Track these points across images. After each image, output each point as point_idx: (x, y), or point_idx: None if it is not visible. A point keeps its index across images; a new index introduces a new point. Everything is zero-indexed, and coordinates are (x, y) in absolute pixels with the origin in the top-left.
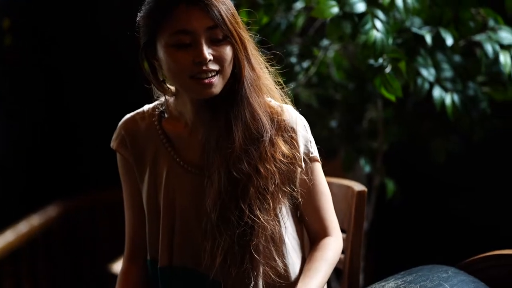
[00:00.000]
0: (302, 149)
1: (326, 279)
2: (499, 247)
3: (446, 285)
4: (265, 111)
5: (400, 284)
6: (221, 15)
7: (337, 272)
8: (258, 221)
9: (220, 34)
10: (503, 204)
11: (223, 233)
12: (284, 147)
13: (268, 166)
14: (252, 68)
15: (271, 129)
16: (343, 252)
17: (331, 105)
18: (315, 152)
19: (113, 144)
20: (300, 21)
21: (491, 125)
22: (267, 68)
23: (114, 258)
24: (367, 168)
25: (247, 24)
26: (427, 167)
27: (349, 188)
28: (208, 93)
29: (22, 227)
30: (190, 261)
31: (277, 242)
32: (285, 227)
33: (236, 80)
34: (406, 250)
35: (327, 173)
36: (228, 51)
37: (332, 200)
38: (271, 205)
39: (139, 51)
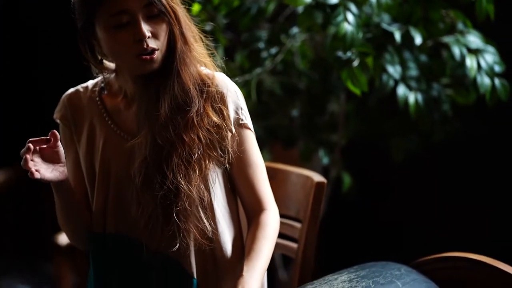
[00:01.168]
0: (232, 115)
1: (269, 257)
2: (449, 249)
3: (399, 283)
4: (195, 82)
5: (353, 278)
6: None
7: (284, 260)
8: (182, 186)
9: (155, 9)
10: (456, 206)
11: (146, 197)
12: (213, 115)
13: (192, 135)
14: (185, 40)
15: (199, 101)
16: (296, 241)
17: (294, 94)
18: (246, 120)
19: (56, 115)
20: (271, 7)
21: (451, 128)
22: (202, 40)
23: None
24: (325, 160)
25: (215, 7)
26: (384, 165)
27: (308, 178)
28: (148, 69)
29: None
30: (122, 228)
31: (206, 208)
32: (214, 194)
33: (169, 53)
34: (357, 244)
35: (285, 161)
36: (164, 26)
37: (290, 189)
38: (197, 171)
39: (77, 32)
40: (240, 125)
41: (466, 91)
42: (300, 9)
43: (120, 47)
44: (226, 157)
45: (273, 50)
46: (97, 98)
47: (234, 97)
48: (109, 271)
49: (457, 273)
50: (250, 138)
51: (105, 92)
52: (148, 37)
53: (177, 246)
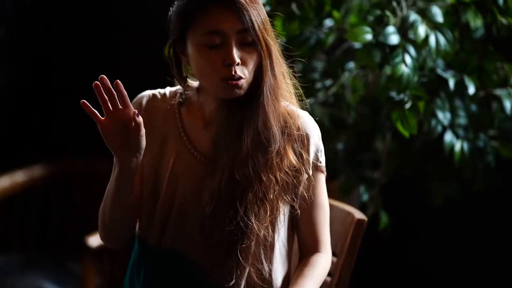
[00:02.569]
0: (312, 157)
1: None
2: None
3: None
4: (279, 121)
5: None
6: (251, 20)
7: None
8: (251, 224)
9: (249, 38)
10: (491, 256)
11: (213, 228)
12: (292, 157)
13: (271, 176)
14: (274, 75)
15: (280, 140)
16: (330, 274)
17: (341, 127)
18: (323, 162)
19: None
20: (330, 39)
21: (493, 179)
22: (290, 78)
23: (88, 231)
24: (365, 197)
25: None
26: (422, 207)
27: (349, 214)
28: (234, 94)
29: (4, 181)
30: (180, 245)
31: (268, 248)
32: (278, 234)
33: (256, 85)
34: (386, 283)
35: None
36: (254, 56)
37: (330, 223)
38: (268, 212)
39: (168, 45)
40: (316, 168)
41: None
42: (358, 45)
43: (208, 68)
44: (298, 199)
45: (327, 82)
46: (176, 111)
47: (316, 140)
48: (156, 285)
49: None
50: (322, 181)
51: (185, 103)
52: (237, 64)
53: (233, 281)
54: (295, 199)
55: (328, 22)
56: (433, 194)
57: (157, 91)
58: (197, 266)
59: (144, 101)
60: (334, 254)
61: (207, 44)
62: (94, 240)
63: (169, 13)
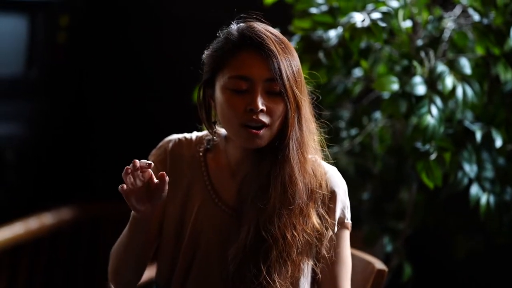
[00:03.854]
0: (338, 214)
1: None
2: None
3: None
4: (303, 176)
5: None
6: (279, 69)
7: None
8: (273, 285)
9: (277, 88)
10: None
11: (237, 286)
12: (315, 219)
13: (295, 233)
14: (301, 129)
15: (304, 197)
16: None
17: (367, 177)
18: (349, 219)
19: (153, 157)
20: (357, 88)
21: None
22: (317, 133)
23: None
24: (389, 248)
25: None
26: (446, 259)
27: (369, 264)
28: (253, 144)
29: (32, 223)
30: None
31: None
32: None
33: (282, 137)
34: None
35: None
36: (280, 106)
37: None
38: (289, 272)
39: (199, 88)
40: (342, 224)
41: None
42: (385, 94)
43: (230, 112)
44: (321, 255)
45: (353, 131)
46: (201, 158)
47: (343, 196)
48: None
49: None
50: (347, 237)
51: (211, 150)
52: (261, 110)
53: None
54: (318, 255)
55: (357, 72)
56: (457, 247)
57: (183, 136)
58: None
59: (170, 146)
60: None
61: (233, 88)
62: None
63: (203, 56)
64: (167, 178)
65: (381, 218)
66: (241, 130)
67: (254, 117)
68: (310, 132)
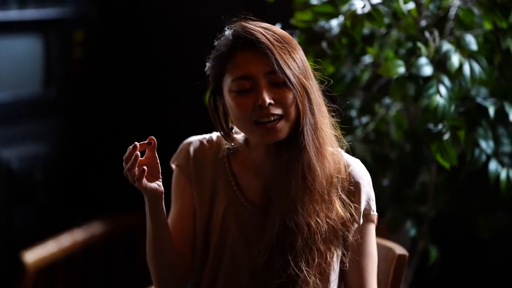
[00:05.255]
0: (363, 205)
1: None
2: None
3: None
4: (323, 162)
5: None
6: (277, 59)
7: None
8: (301, 274)
9: (280, 78)
10: None
11: (266, 280)
12: (340, 209)
13: (318, 220)
14: (313, 115)
15: (323, 182)
16: None
17: (385, 163)
18: (374, 212)
19: (175, 162)
20: (366, 75)
21: None
22: (330, 117)
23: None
24: (412, 232)
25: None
26: (472, 239)
27: (390, 250)
28: (271, 138)
29: (65, 240)
30: None
31: None
32: (330, 282)
33: (297, 126)
34: None
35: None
36: (290, 94)
37: None
38: (316, 260)
39: (208, 98)
40: (367, 216)
41: None
42: (393, 79)
43: (240, 112)
44: (347, 248)
45: (365, 119)
46: (225, 159)
47: (368, 188)
48: None
49: None
50: (372, 230)
51: (234, 150)
52: (270, 104)
53: None
54: (344, 247)
55: (367, 59)
56: (481, 226)
57: (203, 137)
58: None
59: (192, 149)
60: None
61: (238, 90)
62: None
63: (206, 68)
64: (155, 141)
65: (403, 203)
66: (256, 128)
67: (265, 112)
68: (323, 116)
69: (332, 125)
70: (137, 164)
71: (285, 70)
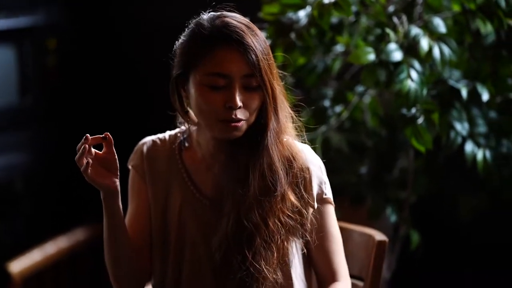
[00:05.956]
0: (315, 190)
1: None
2: None
3: None
4: (283, 163)
5: None
6: (259, 64)
7: None
8: (260, 269)
9: (254, 82)
10: None
11: (225, 276)
12: (293, 198)
13: (276, 220)
14: (278, 119)
15: (285, 184)
16: None
17: (362, 151)
18: (329, 194)
19: (131, 162)
20: (337, 64)
21: None
22: (293, 121)
23: None
24: (393, 218)
25: (283, 65)
26: (453, 222)
27: (370, 236)
28: (231, 136)
29: (50, 248)
30: None
31: None
32: (293, 267)
33: (259, 128)
34: None
35: (354, 219)
36: (257, 100)
37: (353, 248)
38: (275, 256)
39: (171, 80)
40: (322, 200)
41: None
42: (364, 67)
43: (208, 108)
44: (306, 234)
45: (338, 108)
46: (177, 156)
47: (319, 172)
48: None
49: None
50: (331, 211)
51: (186, 144)
52: (239, 107)
53: None
54: (304, 235)
55: (339, 48)
56: (461, 209)
57: (157, 137)
58: None
59: (145, 148)
60: (360, 279)
61: (210, 85)
62: None
63: (174, 46)
64: (111, 137)
65: (382, 189)
66: (218, 124)
67: (232, 115)
68: (287, 118)
69: (296, 128)
70: (84, 156)
71: (263, 76)
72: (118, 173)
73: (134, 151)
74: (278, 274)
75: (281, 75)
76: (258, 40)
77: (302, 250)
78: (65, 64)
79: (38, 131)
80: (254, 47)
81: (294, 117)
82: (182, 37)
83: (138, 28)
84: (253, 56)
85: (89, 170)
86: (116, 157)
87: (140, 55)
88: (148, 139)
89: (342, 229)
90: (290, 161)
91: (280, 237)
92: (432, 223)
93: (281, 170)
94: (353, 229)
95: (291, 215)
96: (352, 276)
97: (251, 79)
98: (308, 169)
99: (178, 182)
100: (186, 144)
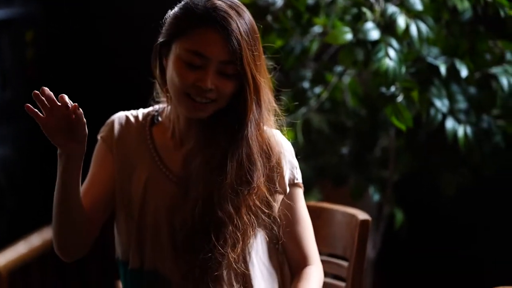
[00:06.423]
0: (287, 175)
1: None
2: (505, 282)
3: None
4: (261, 155)
5: None
6: (240, 52)
7: None
8: (225, 253)
9: (231, 70)
10: (510, 240)
11: (186, 256)
12: (267, 192)
13: (249, 211)
14: (260, 112)
15: (262, 176)
16: (343, 280)
17: (343, 131)
18: (299, 178)
19: (101, 134)
20: (315, 46)
21: (504, 160)
22: (276, 111)
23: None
24: (376, 197)
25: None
26: (436, 200)
27: (353, 216)
28: (196, 115)
29: (35, 240)
30: (160, 268)
31: (242, 274)
32: (256, 253)
33: (238, 116)
34: (412, 281)
35: (336, 200)
36: (231, 87)
37: (336, 228)
38: (241, 241)
39: (155, 47)
40: (293, 185)
41: None
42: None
43: (179, 82)
44: (276, 221)
45: (318, 89)
46: (147, 132)
47: (290, 157)
48: None
49: None
50: (300, 195)
51: (158, 119)
52: (210, 90)
53: None
54: (274, 224)
55: (317, 29)
56: (444, 185)
57: (130, 112)
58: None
59: (116, 122)
60: (344, 258)
61: (187, 61)
62: None
63: (167, 14)
64: (81, 110)
65: (364, 169)
66: (185, 99)
67: (201, 93)
68: (270, 112)
69: (277, 120)
70: (45, 103)
71: (244, 65)
72: (85, 140)
73: (105, 124)
74: (241, 262)
75: (270, 67)
76: (246, 29)
77: (271, 238)
78: (43, 56)
79: (18, 125)
80: (237, 34)
81: (278, 110)
82: (175, 8)
83: (116, 19)
84: (235, 43)
85: (48, 123)
86: (85, 123)
87: (119, 46)
88: (121, 113)
89: (324, 210)
90: (268, 155)
91: (251, 227)
92: (416, 201)
93: (259, 162)
94: (336, 209)
95: (262, 207)
96: (336, 256)
97: (228, 66)
98: (278, 154)
99: (146, 158)
100: (159, 119)
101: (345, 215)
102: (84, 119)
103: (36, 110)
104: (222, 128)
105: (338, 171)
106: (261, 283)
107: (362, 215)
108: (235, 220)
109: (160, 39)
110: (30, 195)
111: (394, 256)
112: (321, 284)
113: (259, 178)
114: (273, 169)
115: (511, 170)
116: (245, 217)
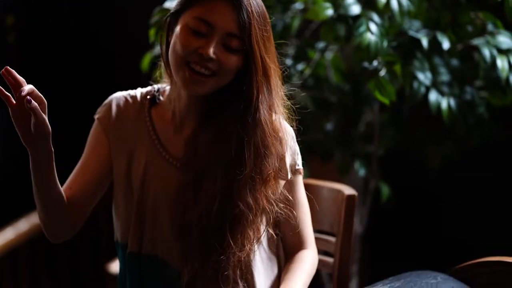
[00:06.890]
0: (288, 161)
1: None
2: (488, 254)
3: None
4: (274, 140)
5: None
6: (250, 26)
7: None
8: (237, 253)
9: (236, 45)
10: (495, 212)
11: (200, 255)
12: (279, 182)
13: (265, 201)
14: (271, 95)
15: (276, 162)
16: (331, 255)
17: (327, 107)
18: (300, 164)
19: (97, 114)
20: (296, 22)
21: (488, 131)
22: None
23: (113, 257)
24: (361, 172)
25: None
26: (422, 173)
27: (339, 192)
28: (193, 89)
29: (22, 225)
30: (159, 251)
31: (246, 262)
32: (258, 248)
33: (244, 99)
34: (400, 254)
35: (324, 176)
36: (233, 62)
37: (323, 204)
38: (254, 233)
39: (165, 18)
40: (294, 171)
41: (502, 93)
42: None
43: (181, 48)
44: (277, 208)
45: (300, 66)
46: (146, 113)
47: (291, 143)
48: None
49: (495, 278)
50: (300, 181)
51: (159, 99)
52: (211, 59)
53: None
54: (276, 208)
55: (297, 5)
56: (429, 158)
57: (128, 93)
58: (178, 273)
59: (114, 103)
60: (331, 234)
61: (193, 28)
62: (115, 266)
63: None
64: (34, 104)
65: (350, 144)
66: (184, 69)
67: (201, 61)
68: (279, 104)
69: (288, 117)
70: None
71: (253, 43)
72: (49, 138)
73: (102, 104)
74: (249, 247)
75: (279, 58)
76: (258, 10)
77: (271, 223)
78: (23, 41)
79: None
80: (248, 10)
81: (287, 100)
82: None
83: (98, 2)
84: (245, 16)
85: (18, 110)
86: (45, 119)
87: (101, 29)
88: (119, 94)
89: (311, 186)
90: (280, 139)
91: (270, 216)
92: (401, 175)
93: (273, 147)
94: (322, 185)
95: (277, 195)
96: (323, 232)
97: (233, 40)
98: (280, 140)
99: (146, 141)
100: (160, 99)
101: (331, 191)
102: (44, 115)
103: (9, 94)
104: (229, 110)
105: (324, 147)
106: (260, 269)
107: (348, 190)
108: (254, 212)
109: (172, 10)
110: (15, 185)
111: (381, 230)
112: (314, 268)
113: (273, 164)
114: (285, 157)
115: (494, 141)
116: (268, 209)
